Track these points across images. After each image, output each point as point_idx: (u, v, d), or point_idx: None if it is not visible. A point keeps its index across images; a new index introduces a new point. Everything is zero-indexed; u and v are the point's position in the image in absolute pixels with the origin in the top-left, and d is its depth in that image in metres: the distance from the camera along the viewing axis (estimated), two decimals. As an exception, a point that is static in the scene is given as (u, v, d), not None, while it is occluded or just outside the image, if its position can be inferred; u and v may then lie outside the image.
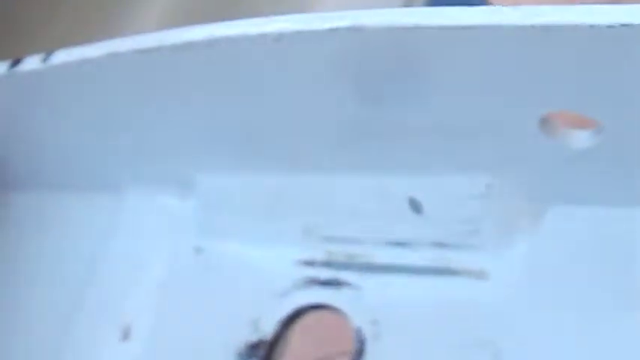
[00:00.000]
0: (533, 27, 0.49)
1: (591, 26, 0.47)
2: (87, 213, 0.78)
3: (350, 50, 0.56)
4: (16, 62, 0.67)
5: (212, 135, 0.68)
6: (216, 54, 0.59)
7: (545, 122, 0.56)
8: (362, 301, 0.64)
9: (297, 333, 0.66)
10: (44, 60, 0.66)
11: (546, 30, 0.48)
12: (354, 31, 0.54)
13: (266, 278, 0.68)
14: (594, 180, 0.59)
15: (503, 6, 0.50)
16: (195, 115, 0.66)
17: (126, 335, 0.70)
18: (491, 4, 0.60)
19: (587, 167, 0.59)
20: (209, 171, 0.71)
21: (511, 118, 0.57)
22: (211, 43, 0.58)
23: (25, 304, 0.76)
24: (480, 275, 0.62)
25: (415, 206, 0.64)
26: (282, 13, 0.58)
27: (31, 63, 0.66)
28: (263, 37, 0.56)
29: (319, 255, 0.67)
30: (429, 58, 0.54)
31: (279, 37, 0.56)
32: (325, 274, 0.67)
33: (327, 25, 0.54)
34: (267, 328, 0.66)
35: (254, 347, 0.66)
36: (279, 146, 0.66)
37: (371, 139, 0.63)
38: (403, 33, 0.52)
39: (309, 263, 0.67)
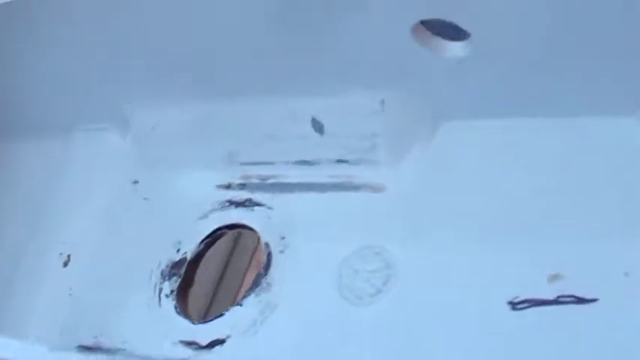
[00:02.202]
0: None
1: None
2: (36, 155, 0.83)
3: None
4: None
5: (142, 66, 0.72)
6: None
7: (416, 31, 0.59)
8: (272, 219, 0.68)
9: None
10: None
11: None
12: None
13: (189, 203, 0.72)
14: (477, 92, 0.62)
15: None
16: (125, 49, 0.71)
17: (66, 262, 0.75)
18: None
19: (469, 79, 0.61)
20: (141, 105, 0.75)
21: (383, 30, 0.60)
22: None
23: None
24: (377, 189, 0.65)
25: (318, 127, 0.67)
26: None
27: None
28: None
29: (236, 178, 0.71)
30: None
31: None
32: (241, 196, 0.70)
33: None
34: (189, 248, 0.70)
35: (176, 265, 0.70)
36: (201, 73, 0.70)
37: (283, 61, 0.66)
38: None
39: (227, 186, 0.71)
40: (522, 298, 0.57)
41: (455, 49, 0.60)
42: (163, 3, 0.65)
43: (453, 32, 0.60)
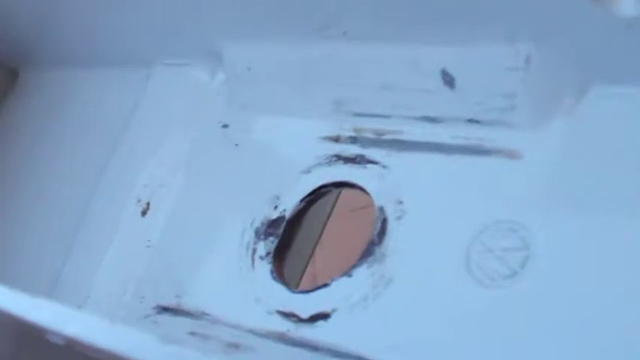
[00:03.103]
0: None
1: None
2: (114, 88, 0.75)
3: None
4: None
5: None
6: None
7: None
8: (387, 180, 0.60)
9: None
10: None
11: None
12: None
13: (290, 154, 0.65)
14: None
15: None
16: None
17: (145, 211, 0.68)
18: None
19: (635, 41, 0.53)
20: (237, 40, 0.67)
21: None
22: None
23: (49, 179, 0.75)
24: (512, 155, 0.57)
25: (448, 79, 0.59)
26: None
27: None
28: None
29: (346, 131, 0.63)
30: None
31: None
32: (351, 150, 0.62)
33: None
34: (288, 205, 0.63)
35: (273, 224, 0.63)
36: (310, 10, 0.62)
37: (410, 1, 0.58)
38: None
39: (335, 139, 0.63)
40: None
41: (630, 5, 0.51)
42: None
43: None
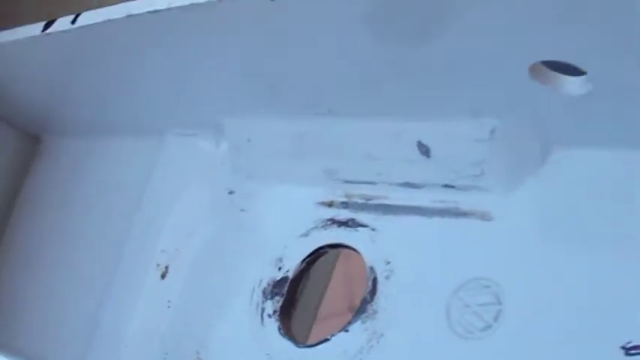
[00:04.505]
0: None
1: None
2: (129, 156, 0.83)
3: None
4: (49, 24, 0.72)
5: (239, 82, 0.71)
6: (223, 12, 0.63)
7: (534, 70, 0.58)
8: (376, 242, 0.67)
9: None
10: (73, 22, 0.70)
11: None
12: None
13: (290, 219, 0.72)
14: (595, 123, 0.60)
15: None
16: (224, 65, 0.70)
17: (164, 274, 0.75)
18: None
19: (586, 111, 0.59)
20: (237, 114, 0.74)
21: (501, 64, 0.58)
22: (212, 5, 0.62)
23: (73, 246, 0.82)
24: (485, 216, 0.64)
25: (424, 150, 0.66)
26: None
27: (62, 25, 0.71)
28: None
29: (338, 196, 0.70)
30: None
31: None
32: (343, 214, 0.70)
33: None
34: (291, 266, 0.70)
35: (278, 284, 0.70)
36: (301, 92, 0.69)
37: (386, 82, 0.65)
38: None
39: (329, 204, 0.71)
40: (635, 343, 0.56)
41: (574, 85, 0.58)
42: (265, 26, 0.64)
43: (569, 69, 0.58)
